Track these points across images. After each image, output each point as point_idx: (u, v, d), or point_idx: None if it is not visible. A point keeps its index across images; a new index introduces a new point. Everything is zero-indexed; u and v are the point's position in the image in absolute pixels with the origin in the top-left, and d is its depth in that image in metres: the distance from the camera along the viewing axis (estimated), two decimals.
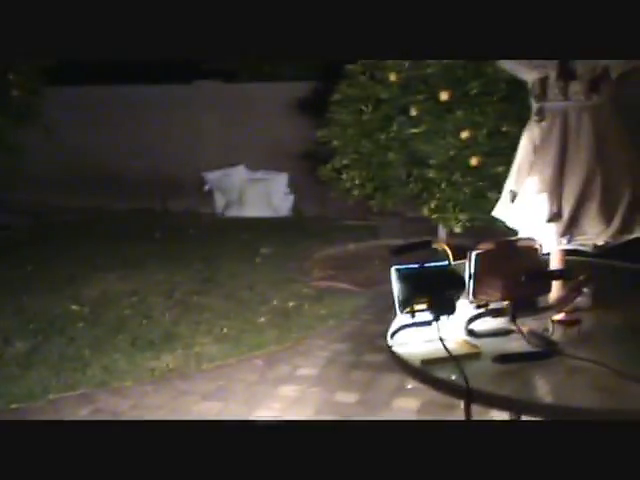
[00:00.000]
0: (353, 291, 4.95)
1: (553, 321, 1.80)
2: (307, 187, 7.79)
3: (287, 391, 3.30)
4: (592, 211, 1.98)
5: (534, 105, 2.10)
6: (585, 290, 1.93)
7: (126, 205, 8.36)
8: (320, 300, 4.70)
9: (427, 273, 1.85)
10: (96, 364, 3.62)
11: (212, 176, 8.43)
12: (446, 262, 1.88)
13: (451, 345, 1.72)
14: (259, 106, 8.26)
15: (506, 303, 1.81)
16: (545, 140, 2.05)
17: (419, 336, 1.81)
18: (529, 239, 1.92)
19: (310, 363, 3.65)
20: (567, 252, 2.07)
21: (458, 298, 1.82)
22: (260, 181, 8.28)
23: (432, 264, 1.87)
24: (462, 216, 4.97)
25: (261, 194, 8.23)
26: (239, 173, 8.35)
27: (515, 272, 1.80)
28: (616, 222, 1.97)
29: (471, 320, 1.82)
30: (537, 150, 2.08)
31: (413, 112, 5.04)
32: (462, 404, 1.68)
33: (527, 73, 2.14)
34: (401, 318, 1.87)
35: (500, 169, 4.42)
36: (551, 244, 2.00)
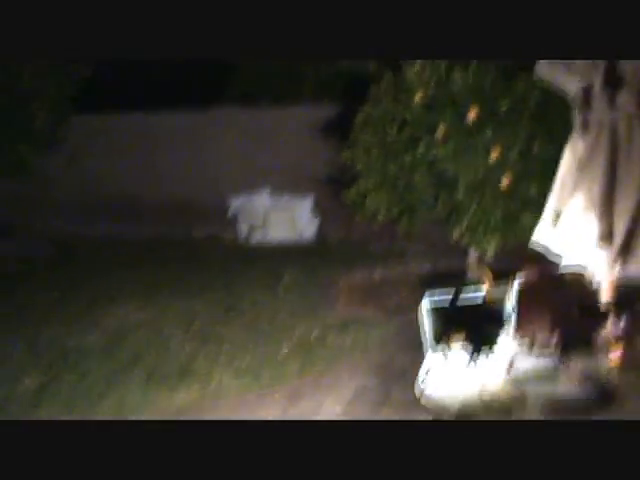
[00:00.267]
0: (380, 320, 4.71)
1: (611, 361, 1.57)
2: (332, 211, 7.60)
3: None
4: None
5: (577, 117, 1.89)
6: None
7: (149, 232, 8.23)
8: (345, 330, 4.47)
9: (463, 305, 1.62)
10: (109, 400, 3.43)
11: (235, 202, 8.30)
12: (484, 291, 1.66)
13: (491, 389, 1.50)
14: (281, 130, 8.13)
15: (554, 340, 1.58)
16: (591, 155, 1.83)
17: (454, 378, 1.59)
18: (577, 266, 1.69)
19: (335, 399, 3.41)
20: (620, 279, 1.84)
21: (499, 334, 1.59)
22: (284, 206, 8.12)
23: (469, 294, 1.64)
24: (493, 240, 4.71)
25: (285, 219, 8.06)
26: (263, 198, 8.20)
27: (564, 304, 1.58)
28: None
29: (514, 359, 1.59)
30: (582, 166, 1.86)
31: (440, 132, 4.82)
32: None
33: (568, 82, 1.93)
34: (433, 357, 1.65)
35: (533, 190, 4.18)
36: (602, 271, 1.77)
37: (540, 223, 1.99)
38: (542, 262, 1.82)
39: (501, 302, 1.60)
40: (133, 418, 3.22)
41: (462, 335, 1.58)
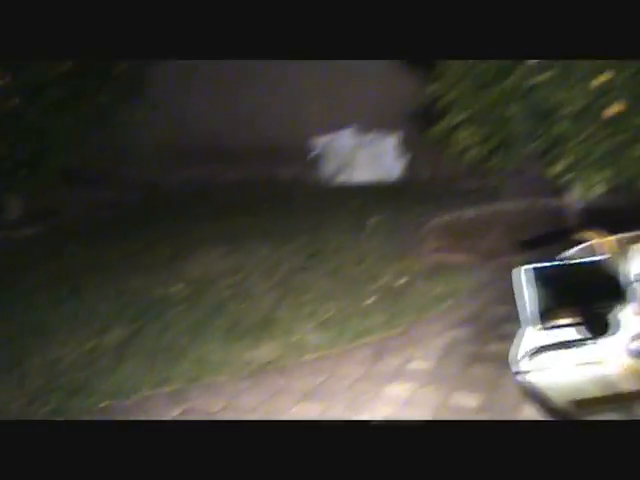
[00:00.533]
0: (472, 265, 4.41)
1: None
2: (420, 148, 7.23)
3: (397, 390, 2.87)
4: None
5: None
6: None
7: (233, 175, 8.16)
8: (435, 276, 4.21)
9: (575, 274, 1.34)
10: (191, 355, 3.36)
11: (319, 141, 8.05)
12: (598, 257, 1.36)
13: (612, 374, 1.22)
14: (365, 62, 7.73)
15: None
16: None
17: (562, 363, 1.32)
18: None
19: (423, 354, 3.20)
20: None
21: (619, 308, 1.31)
22: (370, 143, 7.80)
23: (581, 260, 1.35)
24: (599, 176, 4.27)
25: (371, 157, 7.76)
26: (347, 136, 7.91)
27: None
28: None
29: (639, 340, 1.31)
30: None
31: None
32: None
33: None
34: (535, 336, 1.38)
35: None
36: None
37: None
38: None
39: (624, 270, 1.30)
40: (214, 375, 3.14)
41: (572, 310, 1.29)
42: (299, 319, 3.72)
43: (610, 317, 1.27)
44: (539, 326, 1.32)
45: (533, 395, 1.33)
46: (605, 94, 4.20)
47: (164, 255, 5.21)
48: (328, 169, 8.03)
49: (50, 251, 5.82)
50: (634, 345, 1.27)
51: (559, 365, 1.31)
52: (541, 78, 4.34)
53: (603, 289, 1.29)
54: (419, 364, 3.10)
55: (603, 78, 4.16)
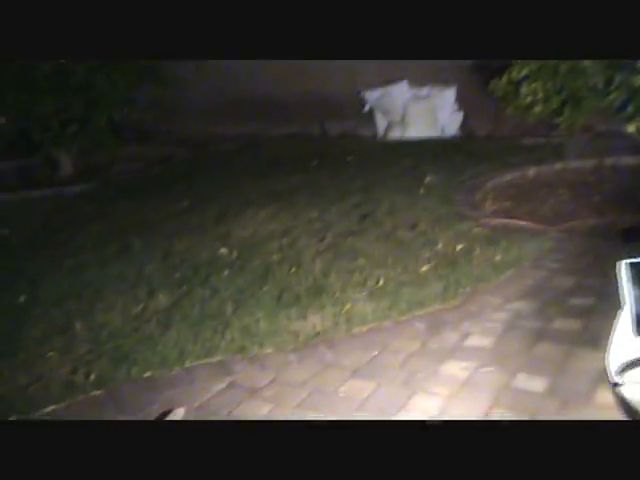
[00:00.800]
0: (535, 230, 4.14)
1: None
2: (478, 102, 6.88)
3: (454, 369, 2.67)
4: None
5: None
6: None
7: (282, 130, 7.96)
8: (494, 242, 3.95)
9: None
10: (237, 324, 3.23)
11: (372, 95, 7.75)
12: None
13: None
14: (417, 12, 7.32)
15: None
16: None
17: None
18: None
19: (483, 329, 2.98)
20: None
21: None
22: (425, 98, 7.46)
23: None
24: None
25: (426, 112, 7.42)
26: (401, 90, 7.57)
27: None
28: None
29: None
30: None
31: None
32: None
33: None
34: (633, 343, 1.16)
35: None
36: None
37: None
38: None
39: None
40: (261, 346, 3.01)
41: None
42: (349, 287, 3.54)
43: None
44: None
45: (626, 410, 1.12)
46: None
47: (211, 215, 5.09)
48: (380, 124, 7.73)
49: (98, 209, 5.78)
50: None
51: None
52: None
53: None
54: (478, 340, 2.89)
55: None
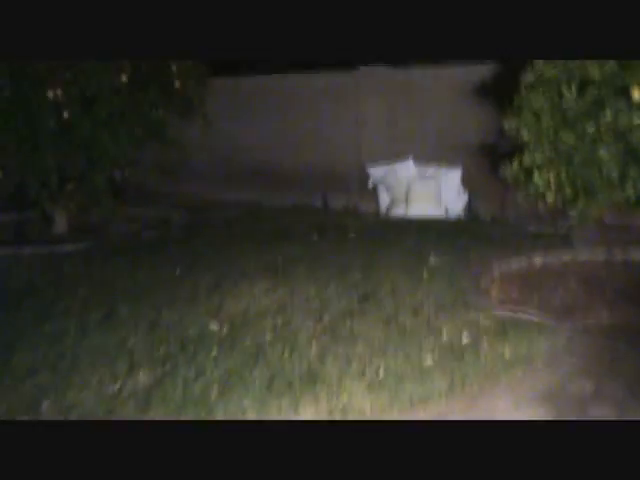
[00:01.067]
0: (546, 324, 3.90)
1: None
2: (484, 185, 6.77)
3: None
4: None
5: None
6: None
7: (284, 200, 7.82)
8: (503, 335, 3.72)
9: None
10: (221, 412, 2.95)
11: (377, 171, 7.66)
12: None
13: None
14: (429, 92, 7.32)
15: None
16: None
17: None
18: None
19: None
20: None
21: None
22: (430, 177, 7.35)
23: None
24: None
25: (431, 192, 7.30)
26: (407, 168, 7.48)
27: None
28: None
29: None
30: None
31: (636, 94, 3.85)
32: None
33: None
34: None
35: None
36: None
37: None
38: None
39: None
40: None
41: None
42: (347, 375, 3.28)
43: None
44: None
45: None
46: None
47: (204, 285, 4.86)
48: (383, 201, 7.61)
49: (87, 271, 5.54)
50: None
51: None
52: (638, 118, 3.85)
53: None
54: None
55: None
